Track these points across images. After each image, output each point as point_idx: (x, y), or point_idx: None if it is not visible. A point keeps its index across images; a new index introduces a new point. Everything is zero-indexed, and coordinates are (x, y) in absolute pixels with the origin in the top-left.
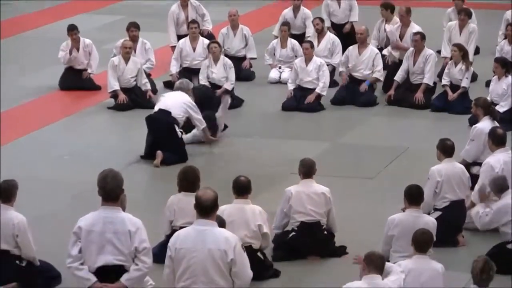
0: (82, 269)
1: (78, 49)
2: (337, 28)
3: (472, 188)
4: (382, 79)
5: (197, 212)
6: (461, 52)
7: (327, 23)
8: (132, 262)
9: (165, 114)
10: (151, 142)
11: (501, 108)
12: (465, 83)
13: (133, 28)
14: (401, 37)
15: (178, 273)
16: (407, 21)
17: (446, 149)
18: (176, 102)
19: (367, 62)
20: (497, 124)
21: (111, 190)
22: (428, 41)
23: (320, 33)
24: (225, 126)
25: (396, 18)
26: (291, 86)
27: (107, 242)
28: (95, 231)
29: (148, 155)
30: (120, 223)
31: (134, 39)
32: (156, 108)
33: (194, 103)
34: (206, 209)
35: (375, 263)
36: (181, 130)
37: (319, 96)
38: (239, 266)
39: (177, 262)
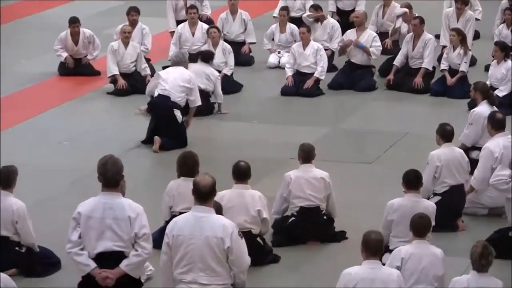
0: (82, 255)
1: (77, 42)
2: (342, 14)
3: (471, 173)
4: (375, 57)
5: (194, 198)
6: (459, 37)
7: (332, 8)
8: (132, 248)
9: (164, 99)
10: (153, 127)
11: (500, 92)
12: (463, 67)
13: (133, 12)
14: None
15: (176, 260)
16: (410, 15)
17: (445, 134)
18: (174, 85)
19: (365, 44)
20: (495, 108)
21: (111, 177)
22: (429, 26)
23: (316, 21)
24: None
25: (394, 2)
26: (289, 72)
27: (107, 228)
28: (95, 217)
29: (149, 140)
30: (120, 209)
31: (134, 23)
32: (156, 93)
33: (192, 77)
34: (204, 195)
35: (373, 249)
36: (181, 116)
37: (317, 80)
38: (236, 254)
39: (174, 248)
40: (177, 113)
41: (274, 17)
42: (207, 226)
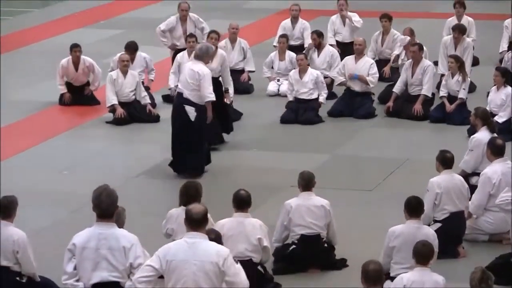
0: (78, 286)
1: (77, 69)
2: (342, 47)
3: (470, 199)
4: (372, 85)
5: (186, 225)
6: (457, 63)
7: (332, 41)
8: (127, 278)
9: (178, 96)
10: (173, 138)
11: (500, 118)
12: (462, 94)
13: (128, 50)
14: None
15: (169, 286)
16: (411, 41)
17: (445, 161)
18: (184, 82)
19: (362, 71)
20: (495, 135)
21: (105, 208)
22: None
23: (319, 46)
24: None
25: (394, 30)
26: (290, 97)
27: (102, 258)
28: (90, 247)
29: (175, 164)
30: (114, 240)
31: (132, 59)
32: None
33: (207, 73)
34: (196, 222)
35: (373, 279)
36: (194, 113)
37: (319, 105)
38: (232, 276)
39: (168, 274)
40: (189, 109)
41: (274, 46)
42: (201, 252)
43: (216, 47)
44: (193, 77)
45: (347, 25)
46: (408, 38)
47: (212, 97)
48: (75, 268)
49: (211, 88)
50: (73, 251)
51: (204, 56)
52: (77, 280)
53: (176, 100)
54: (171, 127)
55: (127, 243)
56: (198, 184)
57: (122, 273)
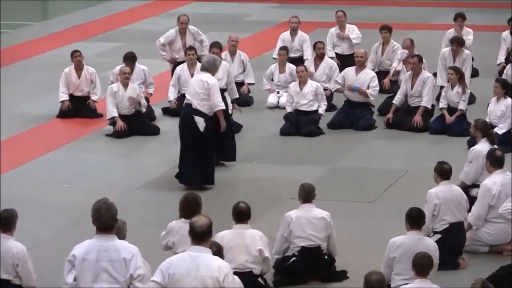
0: None
1: (79, 76)
2: (341, 59)
3: (470, 210)
4: (372, 98)
5: (191, 238)
6: (457, 75)
7: (331, 54)
8: None
9: (187, 106)
10: (181, 149)
11: (500, 130)
12: (462, 106)
13: (127, 61)
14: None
15: None
16: (411, 51)
17: (443, 172)
18: (193, 92)
19: (363, 83)
20: (495, 146)
21: (105, 222)
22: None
23: (320, 58)
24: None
25: (393, 41)
26: (289, 109)
27: (102, 270)
28: (90, 259)
29: (180, 176)
30: (114, 251)
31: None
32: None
33: (215, 83)
34: (200, 235)
35: None
36: (203, 124)
37: (319, 117)
38: None
39: (171, 287)
40: (199, 120)
41: (274, 58)
42: (203, 266)
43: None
44: (202, 87)
45: (346, 38)
46: (406, 52)
47: (222, 105)
48: (75, 279)
49: (220, 97)
50: (73, 262)
51: (211, 68)
52: None
53: (184, 111)
54: (180, 138)
55: (128, 254)
56: (198, 196)
57: (123, 284)
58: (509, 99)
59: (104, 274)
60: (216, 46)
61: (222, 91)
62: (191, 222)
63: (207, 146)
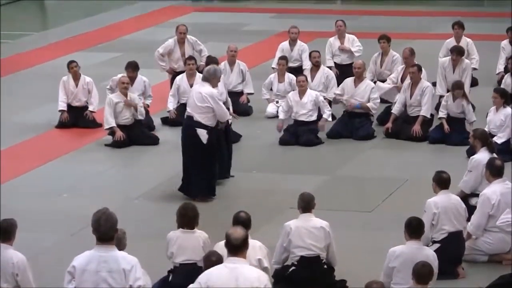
0: None
1: (77, 85)
2: (340, 68)
3: (469, 219)
4: (374, 111)
5: (227, 250)
6: (461, 91)
7: (330, 63)
8: None
9: (188, 119)
10: (183, 168)
11: (499, 139)
12: (473, 117)
13: (130, 69)
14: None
15: None
16: (411, 61)
17: (441, 181)
18: (193, 105)
19: (362, 94)
20: (495, 155)
21: (105, 232)
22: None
23: (316, 67)
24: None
25: (392, 51)
26: (282, 115)
27: (102, 281)
28: (89, 270)
29: (184, 189)
30: (114, 262)
31: (132, 80)
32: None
33: (216, 95)
34: (236, 248)
35: None
36: (206, 136)
37: (320, 126)
38: None
39: None
40: (201, 132)
41: (273, 68)
42: (242, 277)
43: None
44: (202, 101)
45: (348, 51)
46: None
47: (228, 115)
48: None
49: (224, 107)
50: (73, 273)
51: (212, 78)
52: None
53: (186, 124)
54: (182, 151)
55: (127, 265)
56: (195, 206)
57: None
58: (508, 108)
59: (104, 284)
60: (213, 62)
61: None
62: (227, 235)
63: (210, 158)
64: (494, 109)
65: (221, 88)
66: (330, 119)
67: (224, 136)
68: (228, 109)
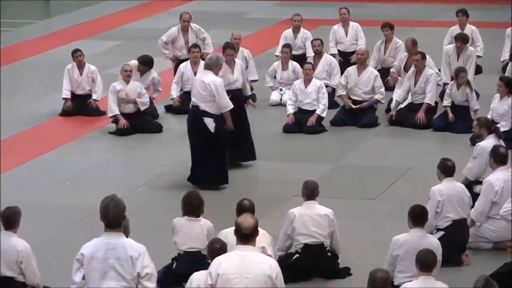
0: None
1: (81, 73)
2: (343, 56)
3: (473, 207)
4: (383, 101)
5: (237, 238)
6: (465, 74)
7: (334, 51)
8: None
9: (194, 109)
10: (192, 151)
11: (502, 128)
12: (476, 105)
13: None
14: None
15: None
16: (414, 52)
17: (446, 169)
18: (197, 95)
19: (366, 83)
20: (502, 142)
21: (113, 219)
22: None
23: (318, 55)
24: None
25: (396, 39)
26: (290, 109)
27: (110, 268)
28: (97, 257)
29: (193, 179)
30: (122, 249)
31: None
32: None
33: (219, 84)
34: (246, 236)
35: (379, 287)
36: (213, 124)
37: (319, 118)
38: None
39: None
40: (208, 121)
41: (277, 56)
42: (254, 265)
43: (234, 61)
44: (206, 89)
45: (349, 35)
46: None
47: (230, 105)
48: (83, 278)
49: (226, 97)
50: (81, 261)
51: (214, 66)
52: None
53: (192, 114)
54: (190, 141)
55: (135, 253)
56: (199, 193)
57: (130, 282)
58: None
59: (112, 272)
60: (229, 48)
61: (238, 90)
62: (237, 223)
63: (219, 145)
64: (498, 97)
65: (237, 75)
66: (323, 114)
67: (237, 121)
68: (249, 97)
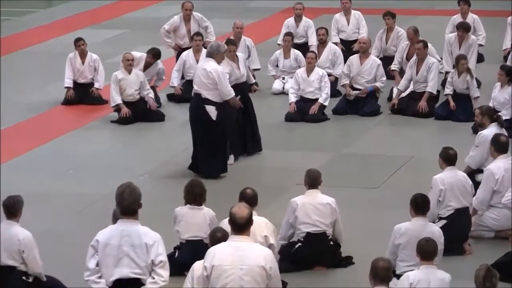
0: (99, 283)
1: (83, 62)
2: (345, 45)
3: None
4: (383, 90)
5: (231, 228)
6: (465, 61)
7: (336, 39)
8: (149, 275)
9: (196, 97)
10: (193, 141)
11: (503, 116)
12: (477, 93)
13: (150, 54)
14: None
15: None
16: (415, 40)
17: (448, 158)
18: (200, 83)
19: (368, 72)
20: (504, 131)
21: (128, 206)
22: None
23: (322, 44)
24: None
25: (398, 28)
26: (292, 98)
27: (124, 255)
28: (112, 244)
29: (194, 167)
30: (137, 236)
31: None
32: (193, 92)
33: (220, 71)
34: (241, 226)
35: (381, 276)
36: (215, 112)
37: (322, 106)
38: (275, 282)
39: (214, 279)
40: (210, 109)
41: (279, 44)
42: (248, 256)
43: (236, 55)
44: (208, 77)
45: (351, 23)
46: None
47: (232, 93)
48: (97, 265)
49: (228, 85)
50: (96, 247)
51: (215, 54)
52: (100, 277)
53: (195, 102)
54: (191, 129)
55: (150, 240)
56: (202, 182)
57: (144, 269)
58: None
59: (126, 259)
60: (231, 44)
61: (243, 83)
62: (231, 213)
63: (220, 134)
64: (499, 86)
65: (243, 69)
66: (326, 103)
67: (243, 112)
68: (252, 84)
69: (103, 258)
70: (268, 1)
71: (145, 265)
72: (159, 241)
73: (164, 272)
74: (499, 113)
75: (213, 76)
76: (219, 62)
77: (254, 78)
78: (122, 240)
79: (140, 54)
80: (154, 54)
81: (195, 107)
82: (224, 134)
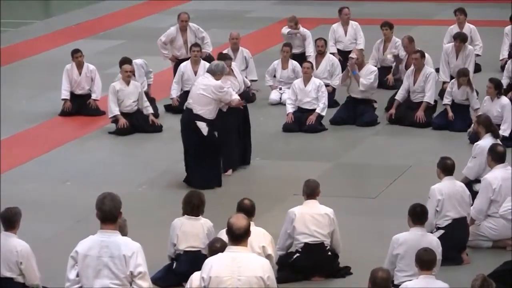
0: None
1: (80, 73)
2: (342, 55)
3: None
4: (362, 87)
5: (228, 238)
6: (466, 78)
7: (333, 50)
8: (129, 286)
9: (187, 112)
10: (185, 154)
11: (504, 132)
12: (476, 104)
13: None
14: (408, 65)
15: None
16: (411, 48)
17: (446, 168)
18: (198, 97)
19: (362, 76)
20: (499, 141)
21: (108, 211)
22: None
23: (321, 55)
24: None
25: (395, 38)
26: (290, 108)
27: (104, 266)
28: (91, 255)
29: (189, 181)
30: (115, 248)
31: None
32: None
33: (220, 86)
34: (238, 237)
35: (380, 286)
36: (206, 128)
37: (319, 117)
38: None
39: None
40: (201, 125)
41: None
42: (246, 266)
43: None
44: (205, 92)
45: (349, 34)
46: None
47: (237, 95)
48: (77, 275)
49: (233, 93)
50: (76, 258)
51: (218, 73)
52: (80, 287)
53: (186, 117)
54: (183, 144)
55: (128, 251)
56: (201, 193)
57: (123, 280)
58: (503, 98)
59: (105, 269)
60: (227, 59)
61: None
62: (229, 223)
63: (212, 149)
64: (489, 99)
65: (240, 78)
66: (323, 113)
67: (239, 125)
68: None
69: (83, 269)
70: (265, 11)
71: (124, 276)
72: (138, 251)
73: (144, 283)
74: (500, 130)
75: (215, 90)
76: (218, 80)
77: (250, 87)
78: (102, 251)
79: (139, 61)
80: (128, 62)
81: (186, 120)
82: (215, 149)
